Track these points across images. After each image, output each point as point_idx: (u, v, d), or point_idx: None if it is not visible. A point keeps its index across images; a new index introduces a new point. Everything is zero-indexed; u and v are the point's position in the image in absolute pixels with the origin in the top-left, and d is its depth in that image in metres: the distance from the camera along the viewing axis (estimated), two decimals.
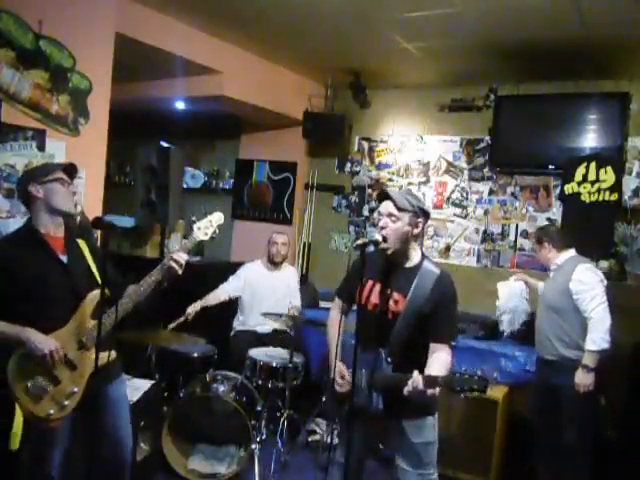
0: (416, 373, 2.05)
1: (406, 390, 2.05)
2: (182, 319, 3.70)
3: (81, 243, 2.37)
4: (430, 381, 2.04)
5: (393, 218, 2.22)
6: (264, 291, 4.23)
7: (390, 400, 2.20)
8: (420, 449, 2.29)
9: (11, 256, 2.18)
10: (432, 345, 2.20)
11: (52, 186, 2.24)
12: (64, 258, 2.28)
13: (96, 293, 2.17)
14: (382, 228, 2.24)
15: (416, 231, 2.27)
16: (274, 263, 4.30)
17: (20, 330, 2.12)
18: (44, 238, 2.25)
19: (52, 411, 2.14)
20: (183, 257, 2.29)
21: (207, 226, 2.38)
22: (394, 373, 2.19)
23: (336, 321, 2.35)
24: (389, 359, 2.20)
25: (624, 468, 3.50)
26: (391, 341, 2.21)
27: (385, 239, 2.22)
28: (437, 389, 2.06)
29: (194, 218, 2.44)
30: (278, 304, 4.23)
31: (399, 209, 2.22)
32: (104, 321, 2.13)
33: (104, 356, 2.17)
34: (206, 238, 2.39)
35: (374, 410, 2.22)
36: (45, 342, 2.12)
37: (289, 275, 4.42)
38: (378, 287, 2.31)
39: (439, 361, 2.17)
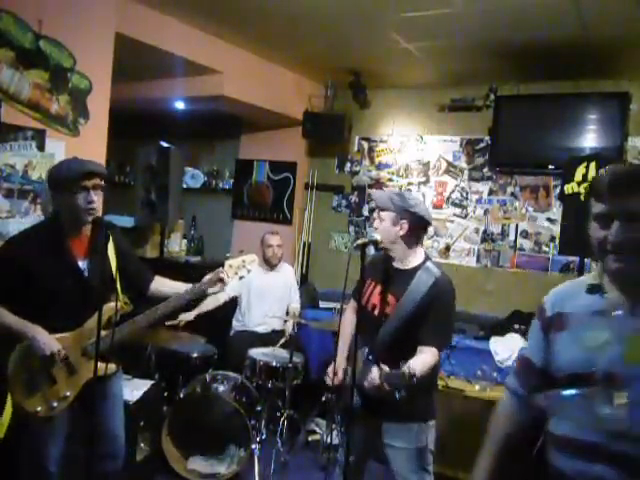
0: (375, 368, 2.04)
1: (365, 383, 2.06)
2: (175, 322, 3.67)
3: (110, 245, 2.29)
4: (383, 376, 1.98)
5: (379, 217, 2.30)
6: (262, 292, 4.22)
7: (367, 397, 2.20)
8: (412, 454, 2.27)
9: (28, 254, 2.15)
10: (419, 348, 2.17)
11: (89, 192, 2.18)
12: (83, 264, 2.24)
13: (112, 305, 2.16)
14: (376, 228, 2.32)
15: (401, 232, 2.25)
16: (271, 265, 4.30)
17: (27, 327, 2.12)
18: (66, 241, 2.22)
19: (40, 409, 2.15)
20: (225, 281, 2.36)
21: (239, 266, 2.40)
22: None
23: (345, 321, 2.46)
24: (370, 357, 2.20)
25: None
26: (377, 341, 2.22)
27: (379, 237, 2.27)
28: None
29: (228, 255, 2.46)
30: (276, 304, 4.24)
31: (381, 209, 2.29)
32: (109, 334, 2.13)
33: (104, 367, 2.18)
34: (235, 277, 2.40)
35: (356, 407, 2.23)
36: (48, 343, 2.12)
37: (286, 274, 4.41)
38: (378, 288, 2.33)
39: (418, 358, 2.12)
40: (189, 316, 3.78)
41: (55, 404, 2.17)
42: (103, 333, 2.15)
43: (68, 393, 2.19)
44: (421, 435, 2.28)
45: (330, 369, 2.41)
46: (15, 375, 2.15)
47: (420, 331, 2.18)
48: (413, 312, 2.18)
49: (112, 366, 2.30)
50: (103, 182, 2.22)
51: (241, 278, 2.44)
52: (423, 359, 2.12)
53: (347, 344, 2.46)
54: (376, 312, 2.30)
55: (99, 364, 2.10)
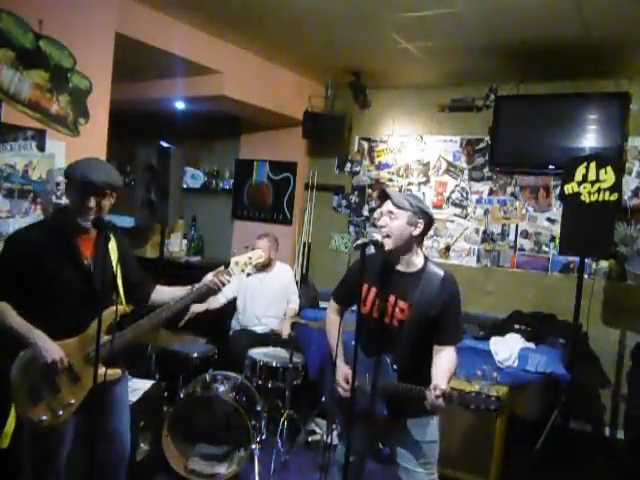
0: (429, 392, 2.05)
1: (428, 405, 2.06)
2: (187, 317, 3.74)
3: (112, 246, 2.26)
4: (446, 396, 2.04)
5: (392, 216, 2.22)
6: (257, 292, 4.22)
7: (395, 405, 2.21)
8: (425, 448, 2.29)
9: (36, 248, 2.12)
10: (437, 347, 2.20)
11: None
12: (90, 265, 2.21)
13: (113, 309, 2.13)
14: (382, 227, 2.23)
15: (416, 232, 2.24)
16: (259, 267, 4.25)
17: (30, 332, 2.09)
18: (74, 239, 2.19)
19: (45, 417, 2.12)
20: (226, 279, 2.34)
21: (246, 262, 2.36)
22: (403, 383, 2.17)
23: (335, 324, 2.39)
24: (394, 366, 2.20)
25: (629, 466, 3.60)
26: (398, 349, 2.20)
27: (387, 236, 2.21)
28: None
29: (234, 250, 2.44)
30: (273, 304, 4.24)
31: (397, 207, 2.23)
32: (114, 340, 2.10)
33: (112, 372, 2.19)
34: (242, 275, 2.37)
35: (379, 415, 2.22)
36: (51, 350, 2.09)
37: (283, 274, 4.39)
38: (382, 294, 2.28)
39: (446, 360, 2.18)
40: (199, 307, 3.80)
41: (60, 412, 2.13)
42: (106, 338, 2.12)
43: (72, 401, 2.15)
44: (436, 428, 2.33)
45: (342, 381, 2.35)
46: (18, 384, 2.12)
47: (437, 331, 2.21)
48: (430, 313, 2.18)
49: (117, 371, 2.28)
50: (111, 192, 2.19)
51: (248, 275, 2.42)
52: (451, 357, 2.20)
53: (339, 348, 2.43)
54: (387, 320, 2.26)
55: (106, 370, 2.08)
